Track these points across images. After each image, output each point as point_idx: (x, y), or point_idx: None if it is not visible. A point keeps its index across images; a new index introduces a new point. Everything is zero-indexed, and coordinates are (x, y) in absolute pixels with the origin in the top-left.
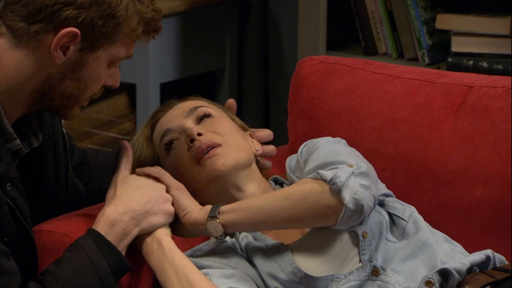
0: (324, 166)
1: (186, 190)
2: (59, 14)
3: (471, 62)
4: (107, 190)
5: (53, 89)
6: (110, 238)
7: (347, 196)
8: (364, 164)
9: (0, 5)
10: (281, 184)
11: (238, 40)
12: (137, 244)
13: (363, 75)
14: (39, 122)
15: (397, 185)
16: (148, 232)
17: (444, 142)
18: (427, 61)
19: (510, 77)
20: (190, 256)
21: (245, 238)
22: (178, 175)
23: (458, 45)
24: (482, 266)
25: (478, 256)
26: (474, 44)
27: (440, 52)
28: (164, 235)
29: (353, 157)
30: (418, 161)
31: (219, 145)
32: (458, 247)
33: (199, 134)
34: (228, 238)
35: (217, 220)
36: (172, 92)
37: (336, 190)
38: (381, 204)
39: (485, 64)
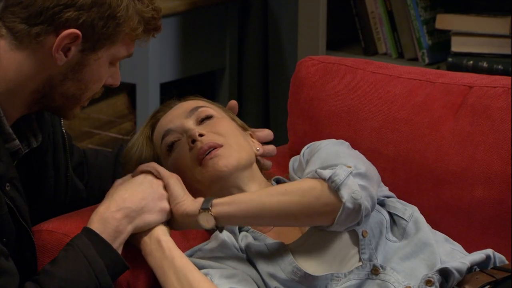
0: (324, 168)
1: (180, 180)
2: (60, 16)
3: (471, 62)
4: (107, 190)
5: (54, 89)
6: (104, 236)
7: (345, 195)
8: (363, 166)
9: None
10: None
11: (238, 40)
12: (136, 244)
13: (363, 75)
14: (39, 122)
15: (397, 185)
16: (145, 230)
17: (444, 142)
18: (427, 61)
19: (510, 77)
20: (190, 256)
21: (244, 238)
22: (179, 176)
23: (458, 45)
24: (483, 265)
25: (479, 255)
26: (474, 44)
27: (440, 52)
28: (162, 235)
29: (354, 159)
30: (418, 161)
31: (221, 146)
32: (458, 247)
33: (201, 135)
34: (227, 238)
35: (210, 212)
36: (172, 92)
37: (334, 188)
38: (382, 204)
39: (485, 64)
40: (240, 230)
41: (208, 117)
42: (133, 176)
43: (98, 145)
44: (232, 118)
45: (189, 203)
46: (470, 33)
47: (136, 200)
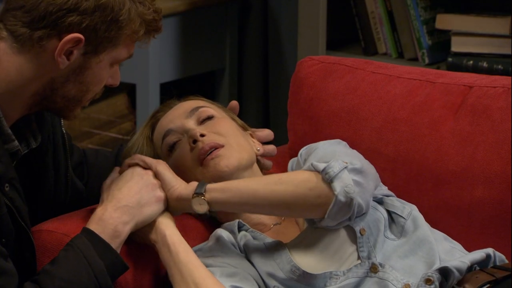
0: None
1: (167, 165)
2: (63, 20)
3: (471, 62)
4: None
5: (55, 92)
6: (103, 237)
7: (338, 187)
8: (359, 162)
9: (0, 8)
10: None
11: (238, 40)
12: (146, 242)
13: (363, 75)
14: (38, 122)
15: (397, 185)
16: (147, 224)
17: (444, 142)
18: (427, 61)
19: (510, 77)
20: None
21: (243, 237)
22: (180, 176)
23: (458, 45)
24: (483, 264)
25: (479, 254)
26: (474, 44)
27: (440, 52)
28: (166, 228)
29: (350, 157)
30: (418, 161)
31: (222, 146)
32: (458, 245)
33: (202, 135)
34: (227, 237)
35: (203, 198)
36: (172, 92)
37: (328, 180)
38: (380, 202)
39: (485, 64)
40: (239, 230)
41: (209, 117)
42: (120, 172)
43: (98, 145)
44: (233, 118)
45: (182, 188)
46: (470, 33)
47: (130, 196)
